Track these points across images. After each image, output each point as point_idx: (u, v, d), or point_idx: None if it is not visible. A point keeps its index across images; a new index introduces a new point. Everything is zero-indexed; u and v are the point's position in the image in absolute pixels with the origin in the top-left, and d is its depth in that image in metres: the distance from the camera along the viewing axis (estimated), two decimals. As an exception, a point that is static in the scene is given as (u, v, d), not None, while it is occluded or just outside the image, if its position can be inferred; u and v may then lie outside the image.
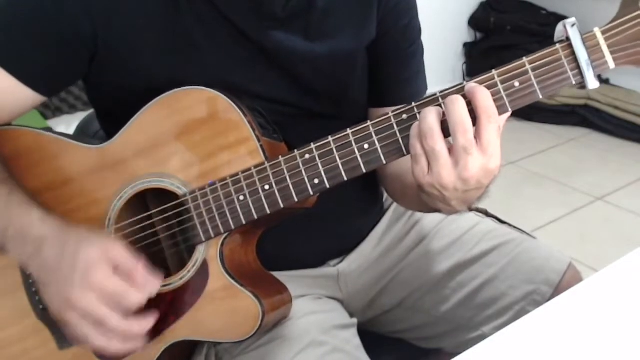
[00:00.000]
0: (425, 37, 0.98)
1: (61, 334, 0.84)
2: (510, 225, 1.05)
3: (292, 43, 0.85)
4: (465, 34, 3.58)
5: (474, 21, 3.53)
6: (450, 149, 0.69)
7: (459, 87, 0.70)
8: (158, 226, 0.83)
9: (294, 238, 0.93)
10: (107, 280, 0.71)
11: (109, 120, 0.81)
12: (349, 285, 1.00)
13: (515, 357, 0.65)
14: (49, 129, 0.88)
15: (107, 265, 0.72)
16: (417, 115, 0.71)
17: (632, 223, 2.40)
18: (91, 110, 1.09)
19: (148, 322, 0.74)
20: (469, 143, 0.67)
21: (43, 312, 0.84)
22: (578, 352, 0.65)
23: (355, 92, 0.94)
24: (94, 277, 0.71)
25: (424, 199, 0.76)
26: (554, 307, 0.72)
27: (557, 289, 0.95)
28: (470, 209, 1.09)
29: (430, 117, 0.69)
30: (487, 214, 1.07)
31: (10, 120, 0.86)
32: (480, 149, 0.68)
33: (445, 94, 0.70)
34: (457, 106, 0.68)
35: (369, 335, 0.92)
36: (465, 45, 3.56)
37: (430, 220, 1.04)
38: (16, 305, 0.85)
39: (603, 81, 3.26)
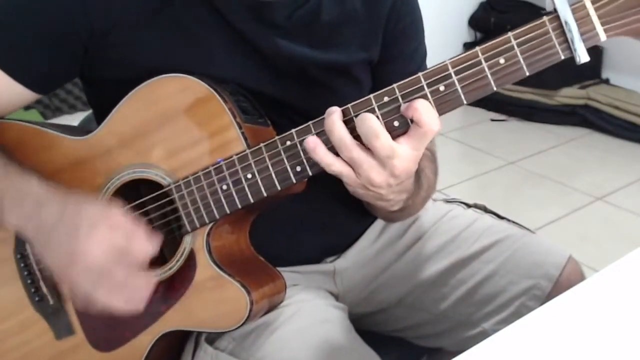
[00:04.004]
0: (425, 37, 0.98)
1: (58, 324, 0.84)
2: (509, 220, 1.05)
3: (292, 50, 0.85)
4: (465, 34, 3.58)
5: (474, 21, 3.53)
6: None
7: (442, 65, 0.68)
8: (151, 214, 0.83)
9: (290, 237, 0.93)
10: (111, 235, 0.72)
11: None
12: (344, 281, 1.00)
13: (515, 357, 0.65)
14: (38, 122, 0.87)
15: (110, 224, 0.73)
16: (399, 98, 0.69)
17: (632, 223, 2.40)
18: (91, 111, 1.09)
19: (152, 280, 0.75)
20: (388, 149, 0.68)
21: (39, 304, 0.85)
22: (579, 351, 0.65)
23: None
24: (98, 231, 0.72)
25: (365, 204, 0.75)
26: (554, 307, 0.72)
27: (557, 283, 0.95)
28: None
29: (337, 130, 0.69)
30: (485, 209, 1.07)
31: (2, 116, 0.86)
32: (407, 139, 0.68)
33: (427, 74, 0.68)
34: (366, 121, 0.68)
35: (369, 335, 0.92)
36: (465, 45, 3.57)
37: (428, 217, 1.04)
38: (13, 297, 0.85)
39: (603, 81, 3.27)
